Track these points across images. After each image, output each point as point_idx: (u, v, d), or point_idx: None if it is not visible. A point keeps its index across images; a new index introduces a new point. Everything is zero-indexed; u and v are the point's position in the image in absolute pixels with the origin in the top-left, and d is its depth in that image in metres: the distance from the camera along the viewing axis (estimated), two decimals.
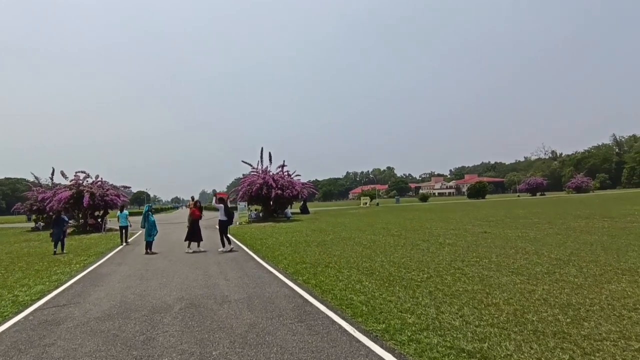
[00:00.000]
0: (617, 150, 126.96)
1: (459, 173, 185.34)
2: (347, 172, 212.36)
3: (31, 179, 30.98)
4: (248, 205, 28.16)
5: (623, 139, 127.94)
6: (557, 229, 13.64)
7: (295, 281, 6.89)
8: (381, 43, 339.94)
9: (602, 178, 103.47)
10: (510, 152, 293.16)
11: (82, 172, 23.73)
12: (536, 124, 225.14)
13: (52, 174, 27.08)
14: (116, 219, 17.60)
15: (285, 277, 7.33)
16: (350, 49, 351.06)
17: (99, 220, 23.49)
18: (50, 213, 22.75)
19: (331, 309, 5.10)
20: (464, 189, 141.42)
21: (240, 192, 27.02)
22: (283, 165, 28.25)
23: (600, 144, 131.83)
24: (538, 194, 67.71)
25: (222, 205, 12.17)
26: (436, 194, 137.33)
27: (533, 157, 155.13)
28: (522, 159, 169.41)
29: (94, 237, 19.27)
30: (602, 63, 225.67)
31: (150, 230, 11.58)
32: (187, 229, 12.02)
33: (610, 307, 4.70)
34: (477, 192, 61.48)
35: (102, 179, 24.21)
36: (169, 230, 22.78)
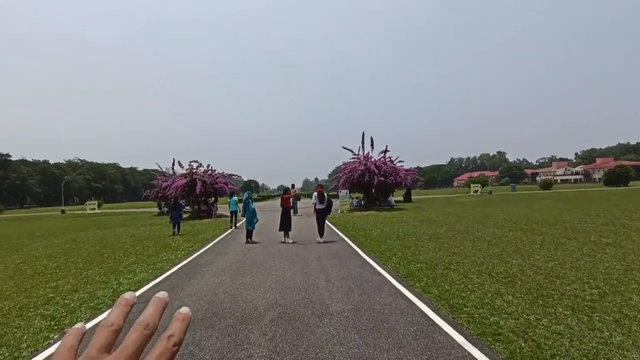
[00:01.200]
0: None
1: (588, 156, 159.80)
2: (452, 158, 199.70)
3: (158, 169, 34.77)
4: (349, 193, 27.29)
5: None
6: None
7: (411, 288, 5.48)
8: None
9: None
10: None
11: (195, 161, 25.46)
12: None
13: (173, 164, 29.79)
14: (227, 205, 18.45)
15: (398, 281, 5.96)
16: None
17: (211, 206, 24.98)
18: (170, 199, 24.89)
19: (472, 341, 3.60)
20: (596, 175, 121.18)
21: (342, 180, 26.19)
22: (385, 151, 26.56)
23: None
24: None
25: (316, 192, 11.67)
26: (558, 180, 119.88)
27: None
28: None
29: (205, 222, 20.35)
30: None
31: (251, 218, 11.22)
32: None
33: None
34: (617, 178, 51.14)
35: (212, 167, 25.69)
36: (272, 218, 23.15)
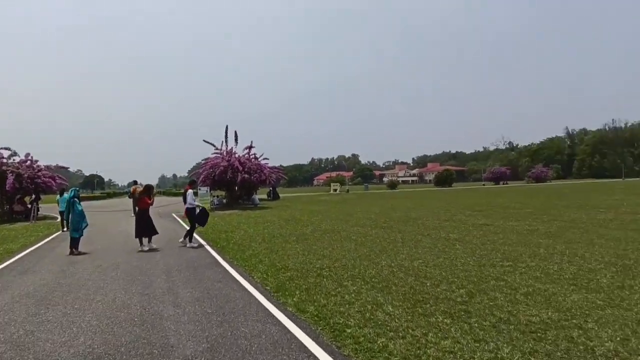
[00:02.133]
0: (568, 142, 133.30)
1: (422, 161, 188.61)
2: (312, 158, 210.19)
3: None
4: (210, 190, 25.26)
5: (575, 132, 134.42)
6: (561, 220, 12.19)
7: (283, 307, 4.57)
8: (348, 28, 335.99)
9: (556, 169, 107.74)
10: (470, 142, 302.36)
11: (7, 148, 19.75)
12: (495, 116, 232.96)
13: None
14: (56, 203, 14.84)
15: (267, 298, 4.97)
16: (309, 35, 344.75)
17: (30, 206, 19.82)
18: None
19: None
20: (427, 177, 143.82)
21: (202, 176, 24.00)
22: (250, 147, 25.46)
23: (554, 137, 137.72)
24: (501, 182, 69.03)
25: (191, 191, 10.06)
26: (400, 181, 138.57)
27: (492, 148, 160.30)
28: (482, 149, 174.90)
29: (18, 227, 15.85)
30: (554, 59, 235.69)
31: (78, 223, 8.72)
32: (135, 222, 9.40)
33: None
34: (444, 180, 61.40)
35: (32, 157, 20.36)
36: (110, 220, 19.61)
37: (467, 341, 3.47)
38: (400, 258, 7.26)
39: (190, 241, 9.70)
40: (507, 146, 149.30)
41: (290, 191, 69.36)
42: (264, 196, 35.01)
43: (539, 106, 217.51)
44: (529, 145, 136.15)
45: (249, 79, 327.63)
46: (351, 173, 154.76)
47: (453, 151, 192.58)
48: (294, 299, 4.82)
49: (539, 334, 3.59)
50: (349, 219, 14.82)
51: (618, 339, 3.47)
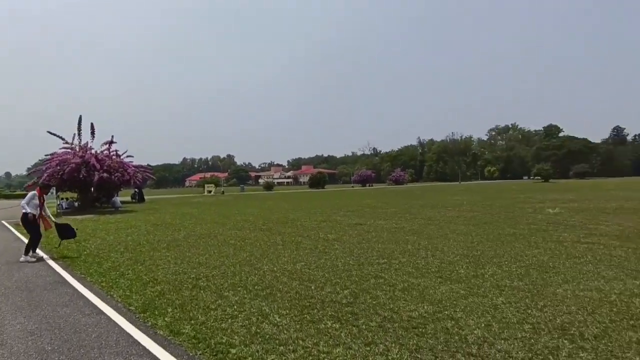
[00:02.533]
0: (420, 150, 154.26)
1: (297, 164, 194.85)
2: (184, 158, 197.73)
3: None
4: (57, 192, 21.21)
5: (424, 142, 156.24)
6: (420, 218, 13.75)
7: (153, 331, 3.82)
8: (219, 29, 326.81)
9: (410, 173, 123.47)
10: (340, 146, 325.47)
11: None
12: (361, 123, 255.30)
13: None
14: None
15: (131, 321, 4.10)
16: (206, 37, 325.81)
17: None
18: None
19: None
20: (302, 179, 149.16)
21: (45, 174, 19.91)
22: (111, 142, 22.28)
23: (410, 145, 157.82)
24: (367, 185, 75.81)
25: (33, 192, 8.07)
26: (276, 183, 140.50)
27: (359, 152, 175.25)
28: (350, 154, 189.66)
29: None
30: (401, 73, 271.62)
31: None
32: None
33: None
34: (317, 182, 64.42)
35: None
36: None
37: (358, 346, 3.38)
38: (282, 261, 7.05)
39: (27, 253, 7.81)
40: (372, 152, 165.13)
41: (159, 193, 63.62)
42: (128, 198, 31.26)
43: (396, 117, 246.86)
44: (389, 151, 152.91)
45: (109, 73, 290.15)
46: (226, 174, 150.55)
47: (325, 155, 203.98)
48: (166, 319, 4.12)
49: (420, 329, 3.74)
50: (225, 222, 14.08)
51: (483, 325, 3.82)
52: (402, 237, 9.63)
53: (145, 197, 33.12)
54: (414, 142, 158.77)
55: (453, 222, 12.39)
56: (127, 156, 23.82)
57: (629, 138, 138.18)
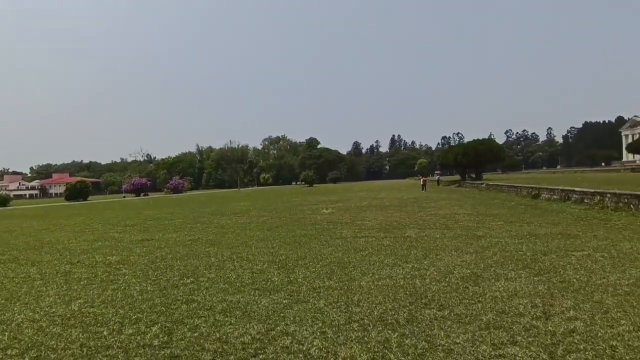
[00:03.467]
0: (199, 157, 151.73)
1: (44, 171, 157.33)
2: None
3: None
4: None
5: (203, 149, 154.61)
6: (214, 227, 13.18)
7: None
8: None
9: (189, 180, 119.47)
10: (105, 152, 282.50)
11: None
12: (132, 127, 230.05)
13: None
14: None
15: None
16: None
17: None
18: None
19: None
20: (53, 190, 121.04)
21: None
22: None
23: (188, 152, 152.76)
24: (143, 194, 68.27)
25: None
26: (12, 195, 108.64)
27: (130, 159, 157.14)
28: (119, 160, 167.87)
29: None
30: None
31: None
32: None
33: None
34: (77, 193, 53.36)
35: None
36: None
37: None
38: (48, 303, 5.17)
39: None
40: (146, 158, 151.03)
41: None
42: None
43: (172, 123, 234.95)
44: (166, 158, 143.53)
45: None
46: None
47: (86, 161, 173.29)
48: None
49: (261, 356, 3.29)
50: None
51: (318, 333, 3.72)
52: (202, 249, 8.86)
53: None
54: (193, 149, 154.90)
55: (248, 228, 12.40)
56: None
57: (364, 151, 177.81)
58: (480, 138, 44.10)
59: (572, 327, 3.63)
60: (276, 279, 5.87)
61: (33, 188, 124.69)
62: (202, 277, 6.19)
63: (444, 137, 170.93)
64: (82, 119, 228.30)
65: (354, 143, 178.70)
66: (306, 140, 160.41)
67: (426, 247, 7.92)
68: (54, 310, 4.84)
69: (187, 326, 4.06)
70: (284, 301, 4.78)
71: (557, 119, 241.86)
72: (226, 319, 4.24)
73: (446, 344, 3.37)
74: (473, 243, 8.11)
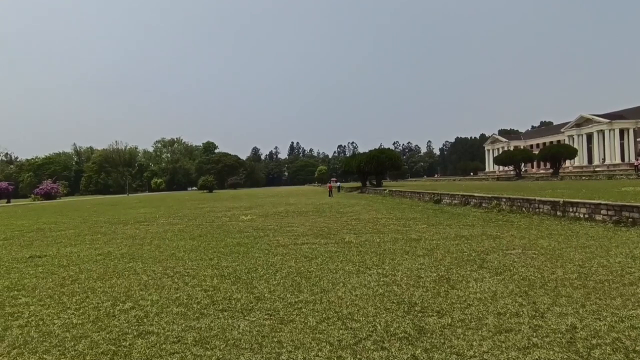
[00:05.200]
0: (76, 159, 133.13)
1: None
2: None
3: None
4: None
5: (82, 149, 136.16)
6: (124, 238, 11.33)
7: None
8: None
9: (64, 185, 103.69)
10: None
11: None
12: None
13: None
14: None
15: None
16: None
17: None
18: None
19: None
20: None
21: None
22: None
23: (61, 152, 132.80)
24: (3, 200, 56.60)
25: None
26: None
27: None
28: None
29: None
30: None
31: None
32: None
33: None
34: None
35: None
36: None
37: None
38: None
39: None
40: (4, 158, 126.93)
41: None
42: None
43: (44, 120, 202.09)
44: (33, 158, 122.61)
45: None
46: None
47: None
48: None
49: None
50: None
51: (336, 359, 3.21)
52: (121, 265, 7.42)
53: None
54: (67, 149, 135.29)
55: (166, 238, 10.95)
56: None
57: (262, 157, 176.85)
58: (373, 148, 47.11)
59: (570, 323, 3.77)
60: (239, 296, 5.10)
61: None
62: (142, 300, 5.08)
63: (339, 146, 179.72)
64: None
65: (253, 148, 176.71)
66: (203, 143, 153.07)
67: (375, 252, 7.85)
68: None
69: None
70: (266, 322, 4.12)
71: (435, 132, 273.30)
72: (209, 352, 3.43)
73: (476, 355, 3.18)
74: (416, 246, 8.31)
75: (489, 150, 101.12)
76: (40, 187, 66.63)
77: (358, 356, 3.25)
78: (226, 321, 4.18)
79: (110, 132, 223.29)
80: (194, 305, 4.78)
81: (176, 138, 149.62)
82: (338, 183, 55.41)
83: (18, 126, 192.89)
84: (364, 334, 3.69)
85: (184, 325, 4.12)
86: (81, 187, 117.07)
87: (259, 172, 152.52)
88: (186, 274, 6.46)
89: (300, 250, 8.35)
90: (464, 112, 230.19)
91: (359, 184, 47.93)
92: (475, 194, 17.55)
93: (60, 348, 3.65)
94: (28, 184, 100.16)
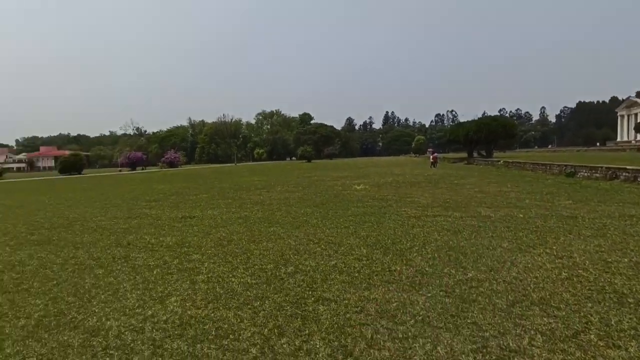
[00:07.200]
0: (191, 131, 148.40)
1: (31, 144, 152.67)
2: None
3: None
4: None
5: (195, 122, 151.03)
6: (253, 204, 12.06)
7: None
8: None
9: (183, 154, 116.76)
10: (94, 125, 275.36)
11: None
12: (122, 100, 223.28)
13: None
14: None
15: None
16: None
17: None
18: None
19: None
20: (41, 163, 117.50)
21: None
22: None
23: (179, 125, 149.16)
24: (139, 168, 66.30)
25: None
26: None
27: (120, 132, 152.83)
28: (108, 133, 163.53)
29: None
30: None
31: None
32: None
33: None
34: (71, 166, 51.30)
35: None
36: None
37: None
38: (133, 303, 4.10)
39: None
40: (136, 132, 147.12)
41: None
42: None
43: (164, 96, 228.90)
44: (157, 132, 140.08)
45: None
46: None
47: (73, 134, 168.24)
48: None
49: None
50: None
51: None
52: (264, 229, 7.78)
53: None
54: (184, 123, 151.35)
55: (290, 205, 11.34)
56: None
57: (357, 127, 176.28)
58: (475, 117, 43.09)
59: None
60: (398, 268, 4.86)
61: (20, 161, 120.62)
62: (301, 265, 5.16)
63: (437, 115, 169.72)
64: (67, 90, 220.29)
65: (348, 119, 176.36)
66: (299, 115, 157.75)
67: (527, 229, 6.97)
68: (150, 314, 3.75)
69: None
70: (446, 300, 3.79)
71: (550, 99, 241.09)
72: (402, 327, 3.24)
73: None
74: (576, 225, 7.18)
75: (622, 115, 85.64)
76: (166, 157, 76.02)
77: (589, 352, 2.73)
78: (400, 295, 3.97)
79: (217, 104, 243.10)
80: (356, 274, 4.68)
81: (275, 110, 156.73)
82: (435, 153, 52.57)
83: (146, 104, 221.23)
84: (580, 327, 3.13)
85: (357, 294, 4.02)
86: (196, 156, 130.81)
87: (354, 142, 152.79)
88: (330, 241, 6.47)
89: (437, 222, 7.85)
90: (589, 72, 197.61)
91: (461, 155, 44.79)
92: (628, 167, 14.82)
93: (250, 307, 3.81)
94: (155, 154, 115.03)
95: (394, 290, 4.13)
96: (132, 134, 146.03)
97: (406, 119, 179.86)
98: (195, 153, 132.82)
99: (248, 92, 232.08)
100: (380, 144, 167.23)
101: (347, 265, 5.09)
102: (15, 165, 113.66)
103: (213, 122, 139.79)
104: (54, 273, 5.23)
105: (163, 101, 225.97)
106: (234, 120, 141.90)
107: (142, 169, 64.84)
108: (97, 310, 3.85)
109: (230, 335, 3.22)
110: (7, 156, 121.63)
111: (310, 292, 4.13)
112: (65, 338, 3.29)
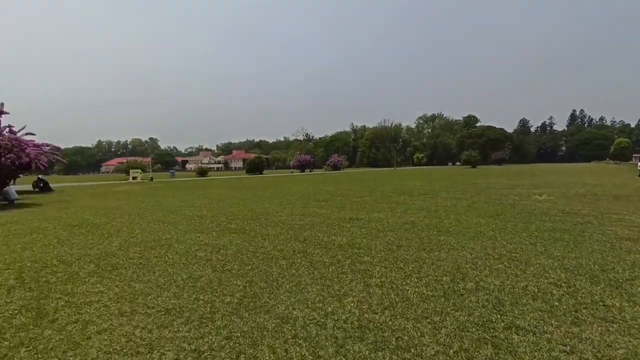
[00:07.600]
0: (353, 136, 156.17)
1: (227, 148, 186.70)
2: (99, 141, 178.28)
3: None
4: None
5: (357, 128, 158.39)
6: (417, 209, 11.66)
7: None
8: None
9: (345, 158, 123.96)
10: (272, 131, 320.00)
11: None
12: (293, 107, 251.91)
13: None
14: None
15: None
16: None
17: None
18: None
19: None
20: (233, 164, 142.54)
21: None
22: (1, 113, 16.92)
23: (342, 130, 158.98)
24: (307, 170, 73.58)
25: None
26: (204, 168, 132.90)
27: (292, 138, 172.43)
28: (282, 139, 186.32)
29: None
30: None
31: None
32: None
33: None
34: (255, 167, 60.69)
35: None
36: None
37: None
38: (309, 298, 4.30)
39: None
40: (305, 137, 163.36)
41: (69, 180, 54.52)
42: (28, 187, 25.39)
43: (331, 102, 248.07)
44: (323, 137, 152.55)
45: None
46: (149, 159, 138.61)
47: (256, 140, 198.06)
48: None
49: None
50: (174, 220, 10.66)
51: None
52: (435, 238, 7.32)
53: (52, 186, 27.20)
54: (347, 128, 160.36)
55: (463, 213, 10.46)
56: (26, 133, 18.53)
57: (532, 129, 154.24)
58: None
59: None
60: (619, 304, 3.81)
61: (218, 162, 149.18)
62: (482, 282, 4.58)
63: None
64: (251, 101, 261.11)
65: (521, 120, 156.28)
66: (463, 117, 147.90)
67: None
68: (330, 310, 3.87)
69: None
70: None
71: None
72: None
73: None
74: None
75: None
76: (330, 160, 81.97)
77: None
78: (628, 340, 3.06)
79: (377, 110, 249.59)
80: (556, 303, 3.88)
81: (437, 113, 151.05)
82: None
83: (313, 111, 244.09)
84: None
85: (562, 329, 3.29)
86: (357, 160, 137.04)
87: (528, 146, 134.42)
88: (514, 258, 5.63)
89: None
90: None
91: None
92: None
93: (429, 320, 3.55)
94: (321, 157, 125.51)
95: (616, 332, 3.23)
96: (302, 139, 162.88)
97: (601, 118, 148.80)
98: (356, 157, 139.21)
99: (411, 96, 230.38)
100: (564, 148, 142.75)
101: (541, 290, 4.29)
102: (215, 166, 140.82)
103: (374, 127, 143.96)
104: (248, 259, 6.02)
105: (329, 107, 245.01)
106: (394, 124, 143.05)
107: (310, 171, 71.51)
108: (284, 299, 4.20)
109: (412, 349, 3.02)
110: (210, 158, 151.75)
111: (498, 316, 3.60)
112: (261, 320, 3.66)
